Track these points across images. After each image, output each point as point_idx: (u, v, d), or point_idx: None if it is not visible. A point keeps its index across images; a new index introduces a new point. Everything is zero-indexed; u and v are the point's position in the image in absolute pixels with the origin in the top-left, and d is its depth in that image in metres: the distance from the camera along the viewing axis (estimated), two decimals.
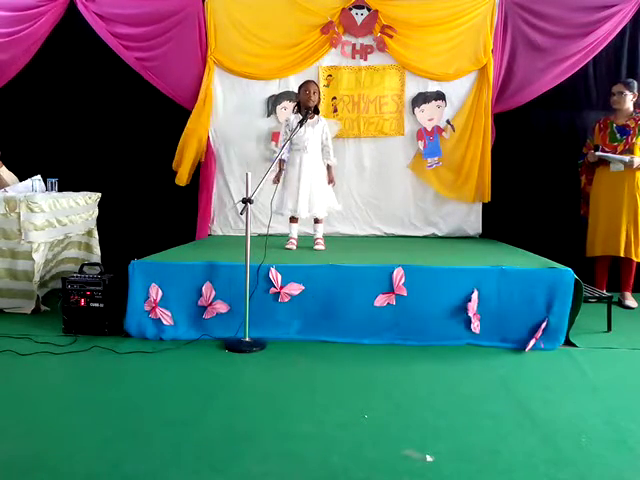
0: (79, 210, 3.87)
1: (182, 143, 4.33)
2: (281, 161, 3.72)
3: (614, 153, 3.79)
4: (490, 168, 4.31)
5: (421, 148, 4.42)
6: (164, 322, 3.00)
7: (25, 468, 1.65)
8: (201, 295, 3.01)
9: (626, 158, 3.72)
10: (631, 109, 3.84)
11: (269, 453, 1.75)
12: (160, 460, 1.70)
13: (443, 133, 4.41)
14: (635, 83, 3.83)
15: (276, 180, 3.72)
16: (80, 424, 1.94)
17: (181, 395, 2.23)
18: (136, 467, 1.65)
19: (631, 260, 3.79)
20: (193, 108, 4.34)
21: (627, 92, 3.79)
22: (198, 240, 4.33)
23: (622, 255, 3.77)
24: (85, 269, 3.20)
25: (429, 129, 4.42)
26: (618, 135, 3.82)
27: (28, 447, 1.77)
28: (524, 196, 4.42)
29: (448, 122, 4.39)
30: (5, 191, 3.72)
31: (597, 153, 3.83)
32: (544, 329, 2.88)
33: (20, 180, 4.04)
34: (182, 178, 4.38)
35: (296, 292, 2.98)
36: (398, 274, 2.95)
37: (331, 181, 3.84)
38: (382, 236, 4.53)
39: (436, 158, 4.41)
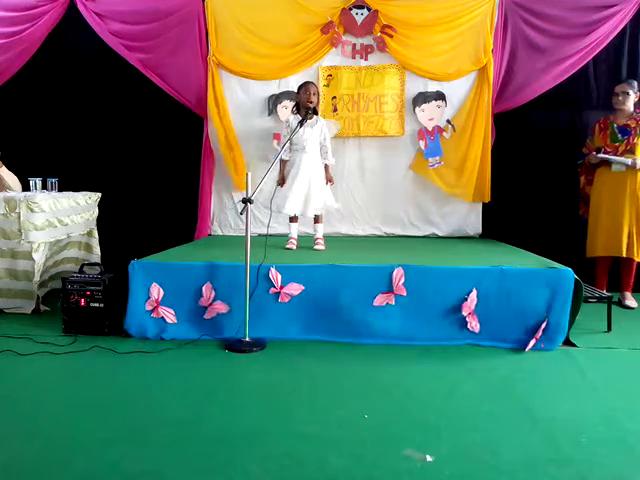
0: (79, 210, 3.86)
1: (223, 152, 4.36)
2: (283, 162, 3.74)
3: (615, 154, 3.78)
4: (490, 168, 4.31)
5: (422, 148, 4.41)
6: (167, 320, 3.00)
7: (25, 468, 1.65)
8: (201, 295, 3.01)
9: (628, 160, 3.69)
10: (632, 109, 3.83)
11: (269, 453, 1.75)
12: (160, 460, 1.70)
13: (444, 133, 4.40)
14: (636, 83, 3.83)
15: (282, 182, 3.73)
16: (80, 424, 1.94)
17: (181, 395, 2.23)
18: (136, 467, 1.65)
19: (632, 260, 3.78)
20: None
21: (631, 92, 3.79)
22: (198, 240, 4.33)
23: (624, 255, 3.75)
24: (85, 269, 3.20)
25: (430, 129, 4.41)
26: (619, 135, 3.81)
27: (28, 447, 1.77)
28: (524, 196, 4.42)
29: (449, 122, 4.38)
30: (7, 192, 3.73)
31: (599, 155, 3.81)
32: (544, 329, 2.88)
33: (20, 180, 4.05)
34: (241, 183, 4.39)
35: (296, 292, 2.98)
36: (398, 274, 2.95)
37: (329, 180, 3.85)
38: (382, 236, 4.53)
39: (437, 158, 4.41)
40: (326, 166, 3.82)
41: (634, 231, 3.74)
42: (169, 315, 3.01)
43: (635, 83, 3.83)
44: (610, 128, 3.86)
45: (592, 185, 3.98)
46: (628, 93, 3.79)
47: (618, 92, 3.84)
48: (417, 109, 4.40)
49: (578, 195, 4.16)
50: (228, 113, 4.38)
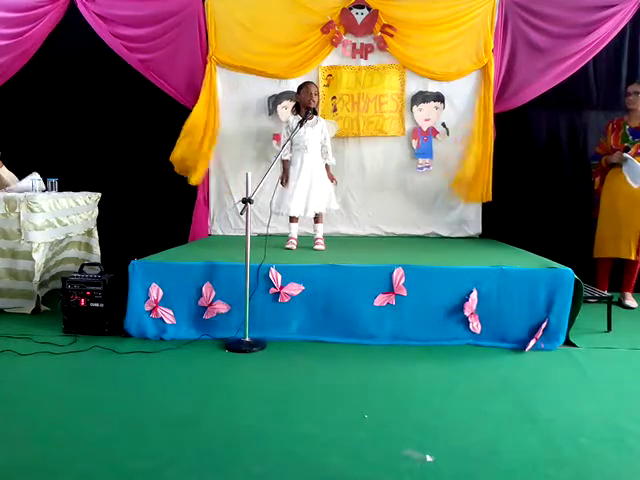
0: (79, 210, 3.87)
1: (183, 142, 4.24)
2: (284, 162, 3.74)
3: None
4: (491, 168, 4.30)
5: (414, 147, 4.42)
6: (166, 321, 3.00)
7: (25, 468, 1.65)
8: (201, 295, 3.01)
9: None
10: None
11: (269, 453, 1.75)
12: (160, 460, 1.70)
13: (437, 135, 4.41)
14: None
15: (284, 182, 3.73)
16: (80, 424, 1.94)
17: (181, 395, 2.23)
18: (136, 466, 1.65)
19: (636, 261, 3.76)
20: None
21: None
22: (198, 240, 4.33)
23: (633, 258, 3.71)
24: (85, 269, 3.20)
25: (424, 129, 4.42)
26: (631, 137, 3.73)
27: (28, 447, 1.77)
28: (524, 196, 4.41)
29: (443, 125, 4.39)
30: (6, 191, 3.72)
31: (625, 154, 3.67)
32: (544, 329, 2.88)
33: (20, 180, 4.04)
34: (196, 177, 4.30)
35: (296, 292, 2.97)
36: (398, 274, 2.95)
37: (332, 180, 3.84)
38: (382, 236, 4.54)
39: (427, 160, 4.42)
40: (327, 166, 3.83)
41: None
42: (168, 316, 3.01)
43: None
44: (622, 129, 3.78)
45: (602, 186, 3.90)
46: (639, 93, 3.72)
47: (630, 92, 3.77)
48: (415, 108, 4.41)
49: (578, 194, 4.14)
50: (218, 112, 4.37)
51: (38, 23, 4.33)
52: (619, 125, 3.83)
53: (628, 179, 3.64)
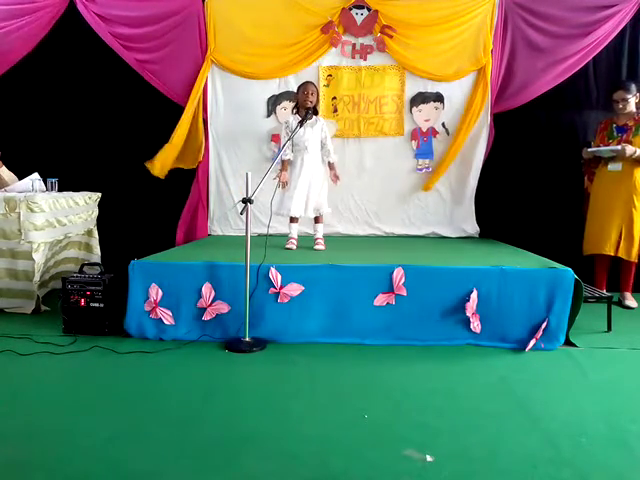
0: (79, 210, 3.87)
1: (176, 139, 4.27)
2: (285, 162, 3.72)
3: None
4: (449, 164, 4.33)
5: (414, 148, 4.42)
6: (165, 322, 3.00)
7: (24, 468, 1.65)
8: (201, 295, 3.01)
9: (618, 147, 3.66)
10: (634, 110, 3.79)
11: (269, 453, 1.75)
12: (160, 460, 1.70)
13: (437, 135, 4.41)
14: (633, 85, 3.79)
15: (284, 184, 3.71)
16: (80, 424, 1.94)
17: (181, 395, 2.23)
18: (136, 467, 1.65)
19: (632, 261, 3.77)
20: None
21: (629, 96, 3.74)
22: (198, 240, 4.33)
23: (614, 255, 3.76)
24: (85, 269, 3.20)
25: (424, 129, 4.42)
26: (615, 133, 3.80)
27: (27, 447, 1.77)
28: (524, 196, 4.41)
29: (443, 125, 4.40)
30: (5, 191, 3.72)
31: (589, 150, 3.83)
32: (544, 329, 2.89)
33: (20, 179, 4.04)
34: (163, 170, 4.26)
35: (296, 292, 2.97)
36: (398, 274, 2.95)
37: (336, 177, 3.83)
38: (382, 236, 4.54)
39: (427, 161, 4.43)
40: (330, 164, 3.82)
41: (624, 231, 3.72)
42: (167, 316, 3.00)
43: (633, 86, 3.78)
44: (609, 128, 3.86)
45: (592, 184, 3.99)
46: (626, 99, 3.75)
47: (617, 99, 3.78)
48: (414, 109, 4.41)
49: (578, 194, 4.15)
50: (200, 116, 4.38)
51: (34, 17, 4.28)
52: (607, 125, 3.90)
53: (619, 167, 3.70)
